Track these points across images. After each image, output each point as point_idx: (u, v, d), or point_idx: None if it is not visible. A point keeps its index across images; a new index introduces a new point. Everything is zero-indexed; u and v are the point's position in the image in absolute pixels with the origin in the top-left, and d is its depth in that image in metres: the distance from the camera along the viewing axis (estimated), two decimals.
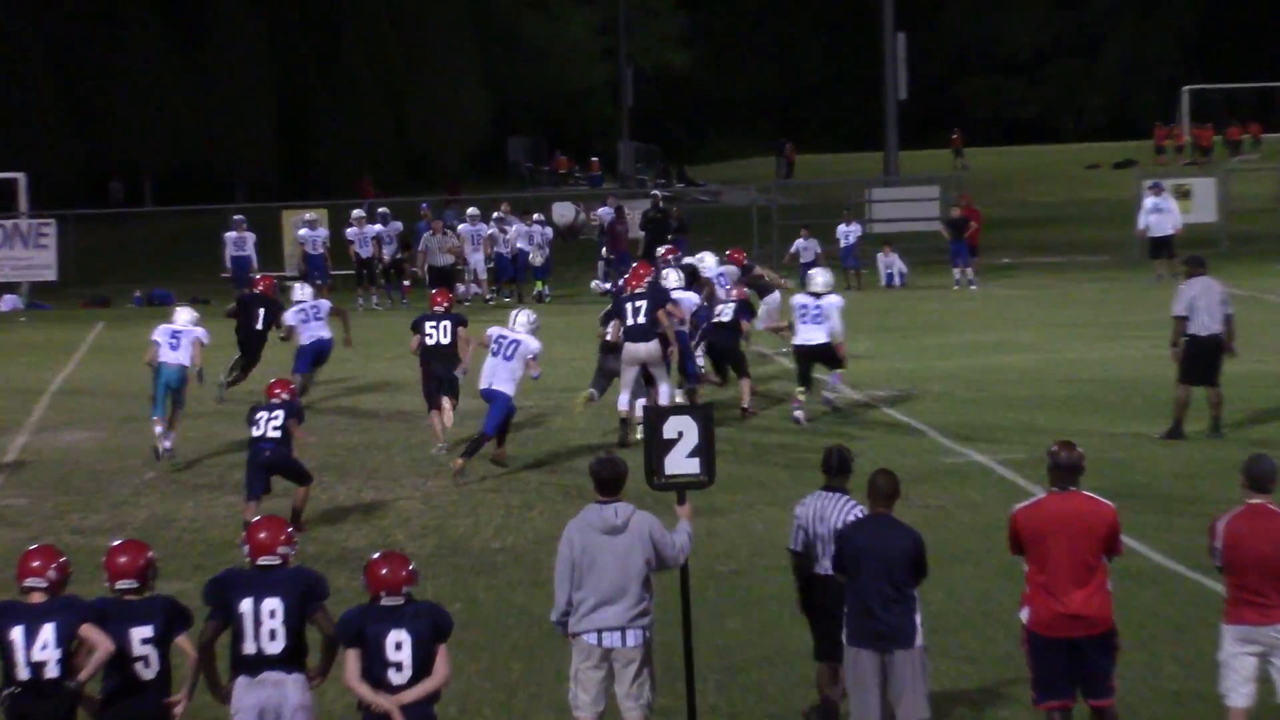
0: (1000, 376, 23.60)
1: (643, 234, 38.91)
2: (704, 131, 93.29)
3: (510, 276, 37.17)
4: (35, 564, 9.08)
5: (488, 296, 36.06)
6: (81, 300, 40.33)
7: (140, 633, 8.93)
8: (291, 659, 9.05)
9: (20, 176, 41.33)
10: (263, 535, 9.24)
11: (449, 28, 74.67)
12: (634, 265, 21.67)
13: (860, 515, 10.02)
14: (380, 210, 38.32)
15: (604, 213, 40.04)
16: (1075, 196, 61.09)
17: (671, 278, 20.93)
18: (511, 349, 18.20)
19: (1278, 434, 18.54)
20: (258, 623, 9.02)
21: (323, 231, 37.60)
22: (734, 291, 21.84)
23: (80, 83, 61.91)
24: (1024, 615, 9.65)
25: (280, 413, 15.72)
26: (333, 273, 37.69)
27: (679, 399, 19.51)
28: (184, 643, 9.09)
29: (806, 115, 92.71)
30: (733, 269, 23.46)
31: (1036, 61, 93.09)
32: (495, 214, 37.64)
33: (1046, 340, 27.42)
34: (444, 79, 72.14)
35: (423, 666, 8.86)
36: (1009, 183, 65.37)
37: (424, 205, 40.32)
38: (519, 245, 36.89)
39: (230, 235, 37.55)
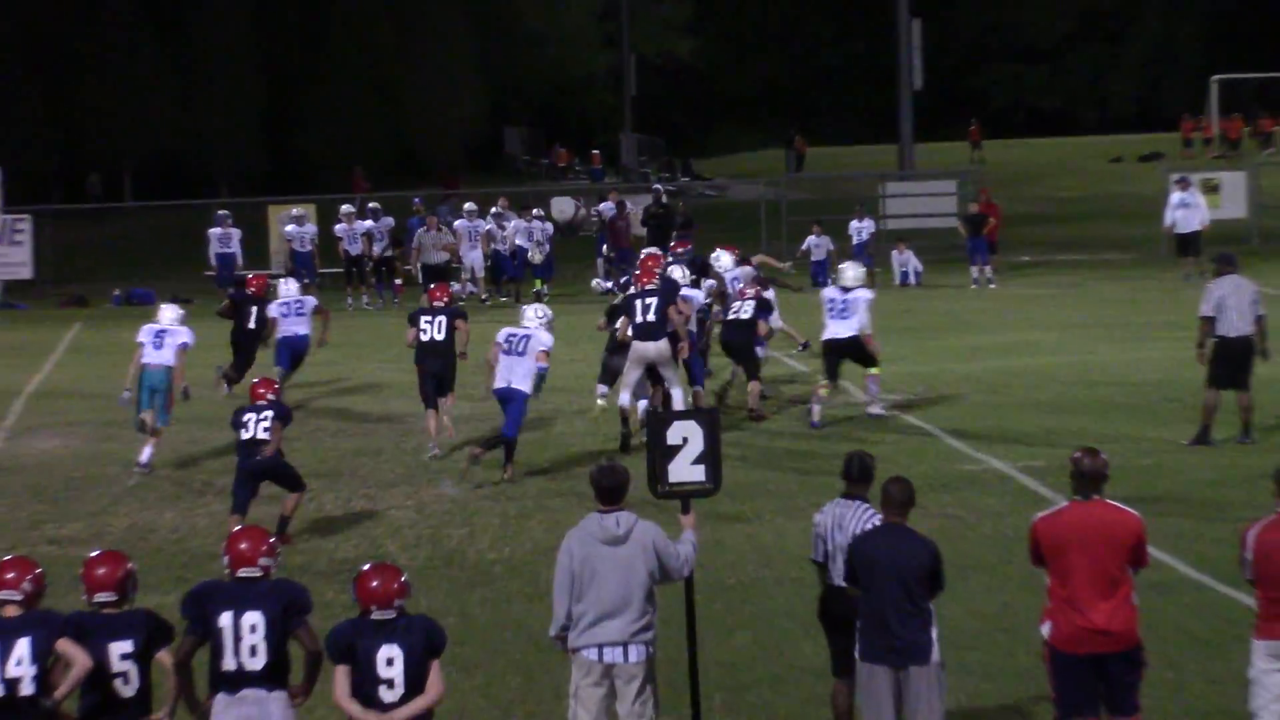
0: (1020, 379, 23.59)
1: (645, 230, 38.90)
2: (710, 123, 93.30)
3: (511, 275, 37.15)
4: (9, 576, 9.07)
5: (484, 296, 36.03)
6: (58, 299, 40.36)
7: (119, 648, 8.93)
8: (273, 676, 9.04)
9: None
10: (243, 546, 9.23)
11: (443, 12, 74.65)
12: (643, 258, 21.68)
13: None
14: (371, 205, 38.31)
15: (605, 208, 40.03)
16: (1099, 191, 61.09)
17: (675, 274, 20.97)
18: (523, 344, 18.30)
19: None
20: (238, 638, 9.01)
21: (311, 228, 37.58)
22: (748, 291, 21.87)
23: (55, 71, 61.87)
24: (1045, 630, 9.64)
25: (269, 414, 15.72)
26: (321, 271, 37.69)
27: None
28: (165, 658, 9.09)
29: (817, 106, 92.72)
30: (748, 270, 23.52)
31: (1058, 49, 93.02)
32: (493, 209, 37.64)
33: (1068, 342, 27.40)
34: (438, 67, 72.13)
35: (415, 683, 8.85)
36: (1029, 177, 65.37)
37: (417, 200, 40.34)
38: (518, 242, 36.88)
39: (214, 231, 37.56)
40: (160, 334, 19.68)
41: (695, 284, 21.98)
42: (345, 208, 37.75)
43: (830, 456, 18.58)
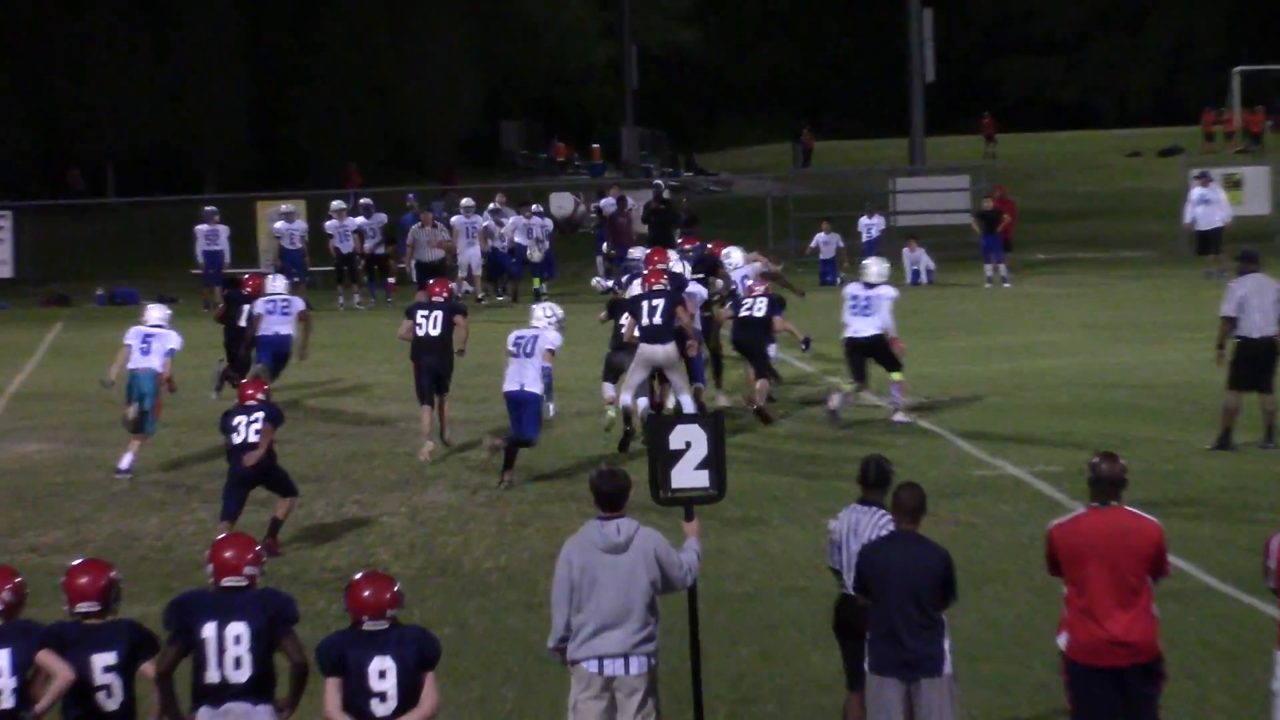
0: (1036, 382, 23.59)
1: (645, 227, 38.90)
2: (714, 116, 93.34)
3: (511, 274, 37.10)
4: None
5: (480, 295, 35.99)
6: (39, 298, 40.37)
7: (102, 660, 8.92)
8: (258, 689, 9.03)
9: None
10: (228, 554, 9.22)
11: (437, 2, 74.69)
12: (648, 254, 21.69)
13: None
14: (363, 201, 38.34)
15: (605, 204, 40.04)
16: (1117, 187, 61.11)
17: (675, 268, 21.03)
18: (531, 344, 18.35)
19: None
20: (221, 649, 9.00)
21: (300, 224, 37.55)
22: (757, 288, 21.87)
23: (34, 61, 61.84)
24: (1062, 641, 9.64)
25: (259, 415, 15.69)
26: (312, 269, 37.70)
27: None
28: (149, 670, 9.07)
29: (826, 98, 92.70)
30: (757, 266, 23.53)
31: (1075, 40, 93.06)
32: (491, 205, 37.63)
33: (1085, 343, 27.40)
34: (432, 58, 72.12)
35: (409, 696, 8.84)
36: (1045, 172, 65.38)
37: (410, 196, 40.33)
38: (516, 239, 36.87)
39: (201, 228, 37.54)
40: (148, 338, 19.67)
41: (704, 282, 22.00)
42: (336, 204, 37.72)
43: (839, 460, 18.60)
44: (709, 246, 23.95)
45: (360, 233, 36.61)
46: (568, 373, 23.61)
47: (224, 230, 37.55)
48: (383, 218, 37.47)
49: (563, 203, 48.05)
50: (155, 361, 19.52)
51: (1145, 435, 19.45)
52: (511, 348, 18.44)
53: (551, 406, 18.66)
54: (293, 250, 36.77)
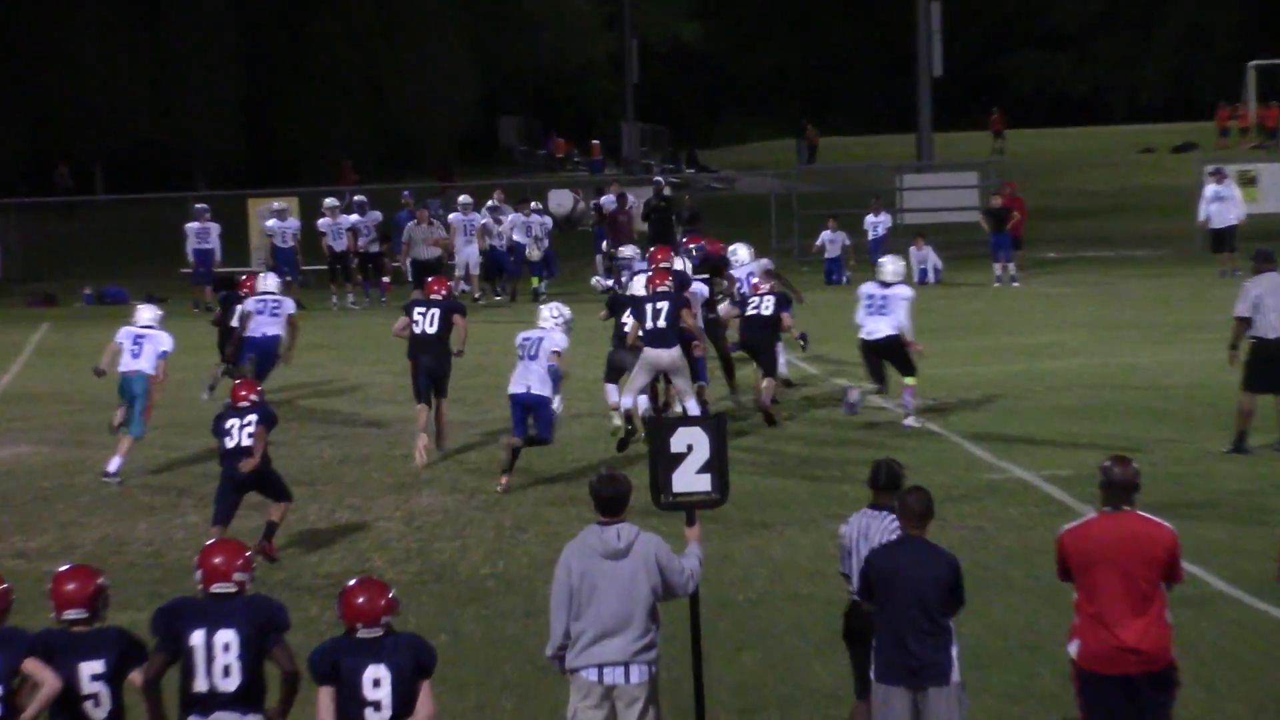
0: (1045, 383, 23.58)
1: (646, 226, 38.88)
2: (717, 111, 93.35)
3: (510, 273, 37.09)
4: None
5: (477, 295, 35.96)
6: (25, 298, 40.37)
7: (90, 668, 8.92)
8: (247, 698, 9.03)
9: None
10: (217, 560, 9.21)
11: None
12: (651, 252, 21.68)
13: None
14: (356, 198, 38.32)
15: (606, 201, 40.02)
16: (1129, 184, 61.09)
17: (675, 265, 21.04)
18: (536, 346, 18.38)
19: None
20: (210, 657, 9.00)
21: (293, 222, 37.55)
22: (762, 285, 21.86)
23: (21, 55, 61.83)
24: (1073, 649, 9.63)
25: (252, 418, 15.67)
26: (304, 268, 37.69)
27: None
28: (137, 679, 9.06)
29: (831, 93, 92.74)
30: (764, 262, 23.51)
31: (1086, 34, 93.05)
32: (489, 203, 37.62)
33: (1096, 343, 27.40)
34: (429, 52, 72.17)
35: (404, 705, 8.84)
36: (1055, 168, 65.34)
37: (405, 193, 40.31)
38: (515, 237, 36.85)
39: (192, 226, 37.53)
40: (139, 339, 19.67)
41: (709, 282, 22.00)
42: (329, 201, 37.66)
43: (845, 463, 18.61)
44: (703, 245, 23.89)
45: (354, 231, 36.59)
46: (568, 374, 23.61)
47: (215, 228, 37.53)
48: (377, 215, 37.44)
49: (561, 200, 48.04)
50: (146, 364, 19.52)
51: (1157, 438, 19.44)
52: (518, 349, 18.48)
53: (558, 400, 18.61)
54: (285, 249, 36.72)
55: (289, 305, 22.96)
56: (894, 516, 10.20)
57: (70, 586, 9.09)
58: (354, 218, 36.88)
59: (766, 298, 21.51)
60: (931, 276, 38.13)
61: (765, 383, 21.14)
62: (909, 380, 20.73)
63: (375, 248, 37.08)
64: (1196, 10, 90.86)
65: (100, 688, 8.92)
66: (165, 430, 21.21)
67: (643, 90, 73.72)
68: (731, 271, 23.16)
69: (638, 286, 20.43)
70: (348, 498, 18.22)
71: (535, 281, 36.88)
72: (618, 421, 19.64)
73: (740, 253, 23.66)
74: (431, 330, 19.62)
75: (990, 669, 11.98)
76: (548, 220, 38.10)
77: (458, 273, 36.09)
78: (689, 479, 10.23)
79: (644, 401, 19.54)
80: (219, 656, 8.98)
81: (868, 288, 21.04)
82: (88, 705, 8.92)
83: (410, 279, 34.64)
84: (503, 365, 25.32)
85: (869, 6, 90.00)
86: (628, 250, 24.87)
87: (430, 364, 19.60)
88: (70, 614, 9.04)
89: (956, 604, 9.68)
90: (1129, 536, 9.50)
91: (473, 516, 17.25)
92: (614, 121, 76.31)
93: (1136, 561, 9.45)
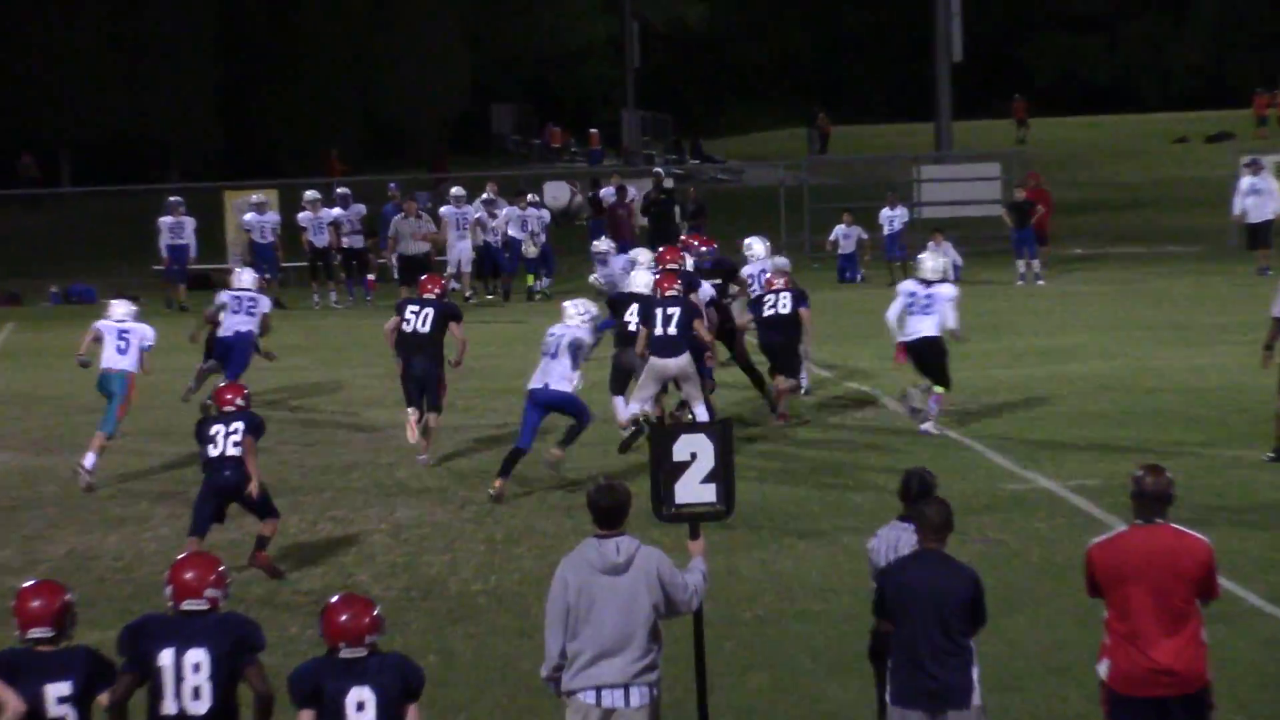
0: (1072, 387, 23.58)
1: (646, 220, 38.88)
2: (722, 99, 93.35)
3: (506, 270, 37.06)
4: None
5: (468, 294, 35.94)
6: None
7: (56, 690, 8.91)
8: None
9: None
10: (189, 575, 9.21)
11: None
12: (659, 253, 21.66)
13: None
14: (340, 191, 38.28)
15: (605, 194, 40.00)
16: (1160, 175, 61.14)
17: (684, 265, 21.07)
18: (556, 346, 18.47)
19: None
20: (179, 678, 9.00)
21: (272, 216, 37.52)
22: (776, 281, 21.85)
23: None
24: (1102, 670, 9.62)
25: (238, 425, 15.62)
26: (284, 265, 37.68)
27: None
28: (105, 701, 9.05)
29: (844, 80, 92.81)
30: (781, 260, 23.44)
31: (1115, 16, 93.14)
32: (483, 196, 37.59)
33: (1126, 345, 27.40)
34: (417, 36, 72.23)
35: None
36: (1082, 159, 65.42)
37: (392, 185, 40.31)
38: (510, 232, 36.83)
39: (165, 220, 37.49)
40: (124, 334, 19.71)
41: (721, 289, 21.96)
42: (309, 194, 37.59)
43: (858, 471, 18.61)
44: (715, 248, 23.81)
45: (336, 225, 36.57)
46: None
47: (189, 222, 37.45)
48: (361, 208, 37.42)
49: (558, 193, 48.06)
50: (130, 362, 19.60)
51: (1190, 445, 19.44)
52: (543, 345, 18.61)
53: (578, 375, 18.60)
54: (264, 244, 36.68)
55: (265, 304, 22.90)
56: None
57: (35, 603, 9.08)
58: (336, 211, 36.85)
59: (783, 294, 21.49)
60: (951, 274, 38.01)
61: (784, 381, 21.19)
62: (939, 389, 20.73)
63: (360, 243, 37.06)
64: None
65: (67, 710, 8.91)
66: (136, 436, 21.20)
67: (644, 76, 73.79)
68: (745, 267, 23.16)
69: (638, 284, 20.41)
70: (331, 509, 18.20)
71: (531, 279, 36.86)
72: (624, 434, 19.64)
73: (755, 247, 23.63)
74: (424, 330, 19.61)
75: (1014, 691, 11.97)
76: (545, 214, 38.05)
77: (450, 269, 36.05)
78: (693, 489, 10.22)
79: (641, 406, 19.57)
80: (189, 677, 8.97)
81: (909, 286, 21.09)
82: None
83: (397, 276, 34.62)
84: (495, 368, 25.42)
85: None
86: (603, 244, 24.82)
87: (421, 367, 19.59)
88: (35, 633, 9.02)
89: (978, 622, 9.67)
90: (1162, 551, 9.49)
91: (463, 529, 17.24)
92: (613, 109, 76.40)
93: (1170, 577, 9.44)
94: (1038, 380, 24.20)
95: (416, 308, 19.76)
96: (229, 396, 15.92)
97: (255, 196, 38.79)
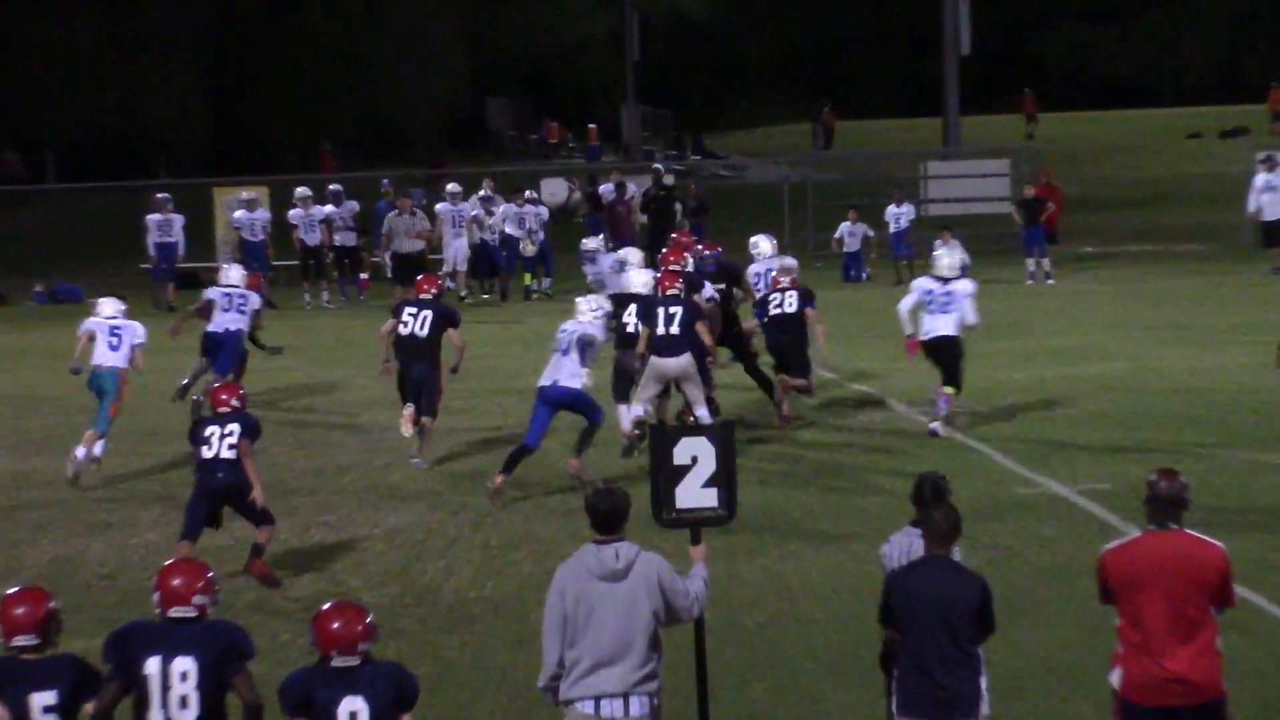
0: (1082, 389, 23.57)
1: (644, 217, 38.86)
2: (725, 93, 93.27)
3: (503, 268, 37.03)
4: None
5: (463, 293, 35.90)
6: None
7: (41, 699, 8.90)
8: None
9: None
10: (176, 581, 9.20)
11: None
12: (664, 253, 21.68)
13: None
14: (331, 187, 38.22)
15: (604, 190, 39.98)
16: (1173, 172, 61.12)
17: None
18: (567, 343, 18.56)
19: None
20: (166, 686, 8.99)
21: (263, 213, 37.49)
22: (782, 279, 21.84)
23: None
24: (1114, 679, 9.62)
25: (234, 426, 15.57)
26: (275, 263, 37.65)
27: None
28: (90, 710, 9.05)
29: (849, 74, 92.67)
30: (789, 261, 23.41)
31: (1128, 9, 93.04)
32: (480, 192, 37.56)
33: (1138, 345, 27.40)
34: (412, 29, 72.15)
35: None
36: (1093, 155, 65.41)
37: (385, 181, 40.29)
38: (507, 230, 36.81)
39: (153, 218, 37.52)
40: (115, 330, 19.76)
41: (726, 295, 21.94)
42: (300, 190, 37.53)
43: (863, 474, 18.61)
44: (719, 252, 23.76)
45: (328, 222, 36.54)
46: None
47: (178, 220, 37.51)
48: (354, 205, 37.39)
49: (555, 189, 48.06)
50: (122, 359, 19.65)
51: (1206, 449, 19.43)
52: (554, 341, 18.69)
53: (586, 373, 18.62)
54: (254, 242, 36.63)
55: (255, 301, 22.96)
56: None
57: (19, 611, 9.07)
58: (328, 208, 36.83)
59: (789, 293, 21.50)
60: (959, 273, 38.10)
61: (794, 380, 21.21)
62: (948, 389, 20.73)
63: (352, 241, 37.04)
64: None
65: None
66: (123, 439, 21.18)
67: (644, 70, 73.69)
68: (751, 266, 23.15)
69: (637, 284, 20.40)
70: (322, 513, 18.20)
71: (528, 278, 36.84)
72: (625, 443, 19.61)
73: (761, 245, 23.61)
74: (423, 334, 19.60)
75: (1023, 701, 11.97)
76: (543, 211, 38.02)
77: (445, 268, 35.98)
78: (694, 493, 10.21)
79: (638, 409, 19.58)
80: (176, 686, 8.97)
81: (926, 283, 21.08)
82: None
83: (390, 275, 34.60)
84: (492, 369, 25.42)
85: None
86: (591, 243, 24.80)
87: (421, 371, 19.59)
88: (19, 640, 9.02)
89: (986, 629, 9.67)
90: (1177, 557, 9.49)
91: (459, 534, 17.24)
92: (613, 104, 76.27)
93: (1185, 584, 9.44)
94: (1047, 381, 24.20)
95: (414, 310, 19.73)
96: (224, 397, 15.88)
97: (246, 194, 38.74)
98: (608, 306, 19.28)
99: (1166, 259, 40.70)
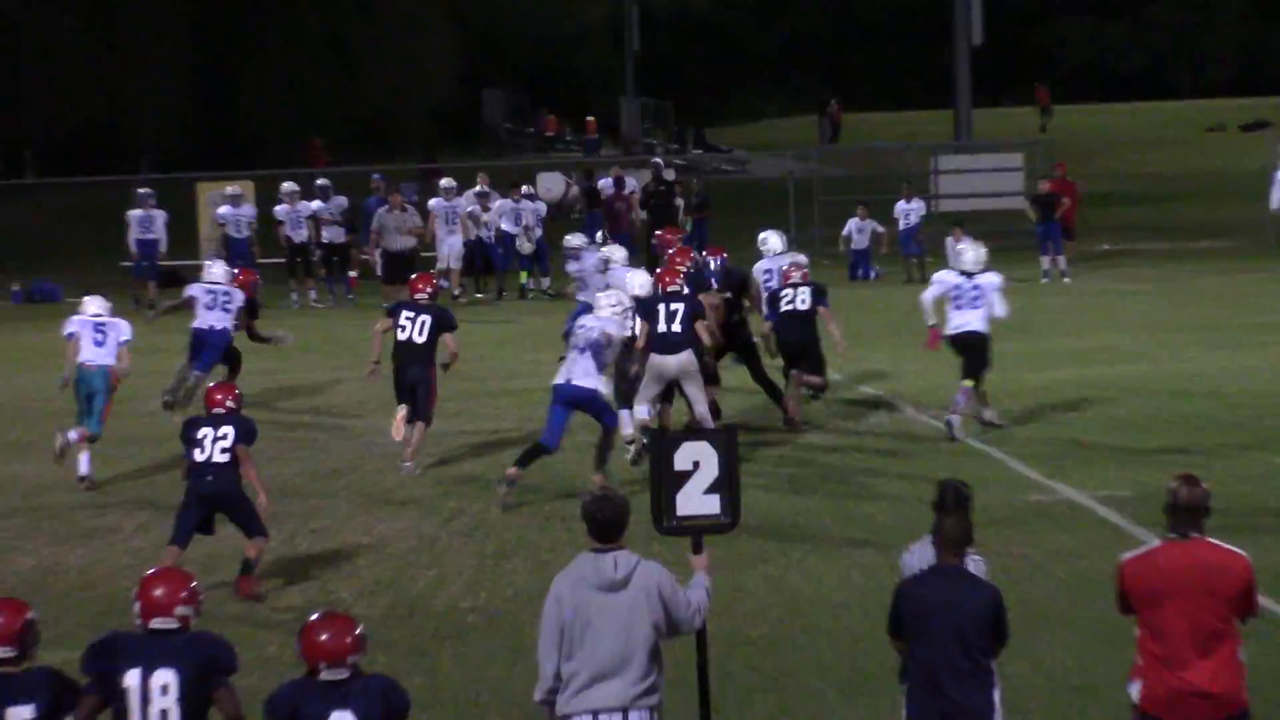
0: (1099, 392, 23.57)
1: (644, 213, 38.86)
2: (728, 85, 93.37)
3: (499, 266, 37.00)
4: None
5: (456, 292, 35.88)
6: None
7: (18, 713, 8.89)
8: None
9: None
10: (158, 591, 9.19)
11: None
12: (670, 253, 21.67)
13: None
14: (319, 182, 38.23)
15: (604, 185, 39.98)
16: (1193, 166, 61.15)
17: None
18: (584, 339, 18.52)
19: None
20: (146, 700, 8.98)
21: (248, 209, 37.47)
22: (793, 274, 21.82)
23: None
24: (1134, 691, 9.61)
25: (228, 429, 15.50)
26: (261, 261, 37.60)
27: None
28: None
29: (857, 65, 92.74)
30: (799, 257, 23.39)
31: None
32: (476, 188, 37.55)
33: (1157, 346, 27.40)
34: (404, 19, 72.20)
35: None
36: (1110, 149, 65.40)
37: (376, 176, 40.25)
38: (503, 227, 36.79)
39: (134, 214, 37.51)
40: (101, 327, 19.75)
41: (733, 302, 21.89)
42: (286, 185, 37.52)
43: (872, 480, 18.60)
44: (724, 257, 23.71)
45: (316, 218, 36.53)
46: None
47: (160, 216, 37.48)
48: (343, 201, 37.39)
49: (551, 184, 47.99)
50: (109, 356, 19.65)
51: (1227, 454, 19.43)
52: (571, 339, 18.75)
53: (602, 381, 18.62)
54: (239, 239, 36.60)
55: (240, 298, 22.95)
56: None
57: None
58: (316, 204, 36.81)
59: (801, 289, 21.49)
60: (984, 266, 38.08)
61: (808, 376, 21.19)
62: (967, 382, 20.72)
63: (341, 238, 37.03)
64: None
65: None
66: (107, 444, 21.12)
67: (645, 61, 73.74)
68: (760, 262, 23.13)
69: (634, 284, 20.36)
70: (311, 520, 18.18)
71: (524, 276, 36.83)
72: (630, 451, 19.56)
73: (770, 241, 23.57)
74: (420, 340, 19.60)
75: (1038, 714, 11.96)
76: (541, 207, 37.99)
77: (438, 265, 35.92)
78: (695, 500, 10.19)
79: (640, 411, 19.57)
80: (156, 699, 8.96)
81: (951, 278, 21.14)
82: None
83: (380, 273, 34.59)
84: (486, 371, 25.40)
85: None
86: (575, 240, 24.88)
87: (417, 376, 19.60)
88: None
89: (999, 641, 9.65)
90: (1198, 567, 9.47)
91: (451, 542, 17.23)
92: (612, 96, 76.30)
93: (1207, 595, 9.42)
94: (1062, 384, 24.20)
95: (412, 314, 19.70)
96: (219, 397, 15.80)
97: (230, 188, 38.73)
98: (628, 301, 19.21)
99: (1186, 256, 40.71)
